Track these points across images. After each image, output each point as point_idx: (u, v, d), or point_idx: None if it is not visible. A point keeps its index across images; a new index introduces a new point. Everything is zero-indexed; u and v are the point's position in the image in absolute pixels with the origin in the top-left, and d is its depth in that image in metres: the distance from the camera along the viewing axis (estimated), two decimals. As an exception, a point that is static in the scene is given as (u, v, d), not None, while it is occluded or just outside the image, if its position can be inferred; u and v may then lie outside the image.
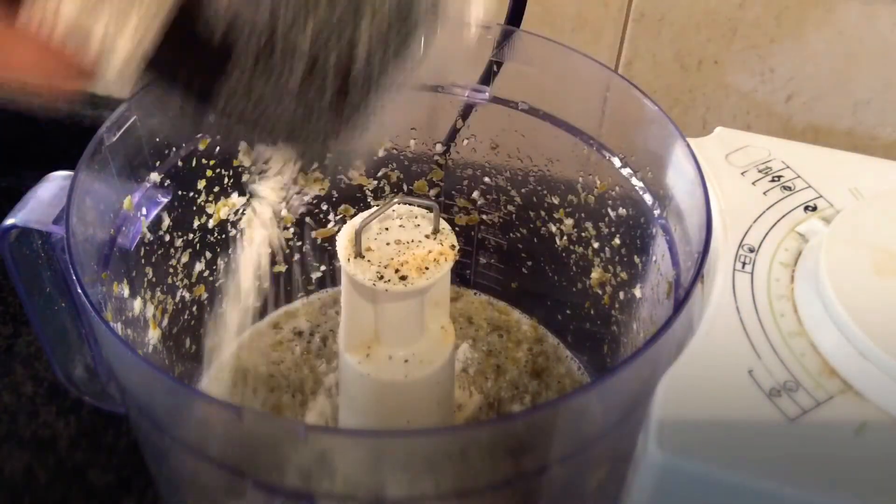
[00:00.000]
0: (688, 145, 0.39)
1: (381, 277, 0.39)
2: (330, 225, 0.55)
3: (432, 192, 0.54)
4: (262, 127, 0.25)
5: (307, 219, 0.54)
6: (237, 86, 0.24)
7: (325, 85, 0.24)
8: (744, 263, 0.39)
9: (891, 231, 0.39)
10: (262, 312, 0.56)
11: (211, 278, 0.51)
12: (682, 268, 0.39)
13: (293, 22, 0.23)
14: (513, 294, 0.57)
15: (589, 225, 0.49)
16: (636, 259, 0.45)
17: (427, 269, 0.39)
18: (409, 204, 0.42)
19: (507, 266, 0.56)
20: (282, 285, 0.56)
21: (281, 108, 0.24)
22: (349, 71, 0.24)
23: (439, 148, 0.51)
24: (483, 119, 0.49)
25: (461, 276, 0.58)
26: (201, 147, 0.46)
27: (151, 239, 0.44)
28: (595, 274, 0.50)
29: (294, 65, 0.23)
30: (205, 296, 0.51)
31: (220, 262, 0.51)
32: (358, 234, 0.40)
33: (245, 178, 0.49)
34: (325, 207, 0.54)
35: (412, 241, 0.41)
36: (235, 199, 0.49)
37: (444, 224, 0.42)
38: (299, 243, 0.54)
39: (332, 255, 0.56)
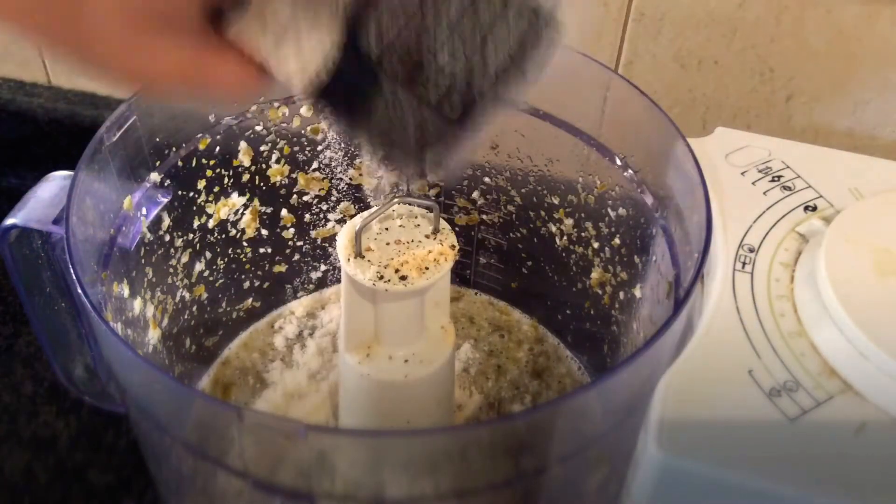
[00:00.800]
0: (688, 145, 0.39)
1: (381, 277, 0.39)
2: (330, 225, 0.55)
3: (432, 192, 0.54)
4: (395, 143, 0.28)
5: (307, 218, 0.54)
6: (383, 108, 0.27)
7: (451, 117, 0.27)
8: (744, 263, 0.39)
9: (891, 231, 0.39)
10: (262, 312, 0.56)
11: (211, 278, 0.51)
12: (682, 268, 0.39)
13: (436, 50, 0.26)
14: (513, 294, 0.57)
15: (589, 225, 0.49)
16: (636, 259, 0.45)
17: (427, 269, 0.39)
18: (409, 204, 0.42)
19: (507, 266, 0.56)
20: (282, 285, 0.56)
21: (415, 127, 0.28)
22: (479, 90, 0.27)
23: (439, 148, 0.51)
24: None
25: (461, 276, 0.58)
26: (201, 147, 0.46)
27: (151, 239, 0.44)
28: (595, 274, 0.50)
29: (433, 87, 0.27)
30: (205, 296, 0.51)
31: (220, 262, 0.51)
32: (358, 234, 0.40)
33: (245, 178, 0.49)
34: (325, 207, 0.54)
35: (412, 241, 0.41)
36: (235, 199, 0.49)
37: (444, 224, 0.42)
38: (299, 243, 0.54)
39: (332, 255, 0.56)
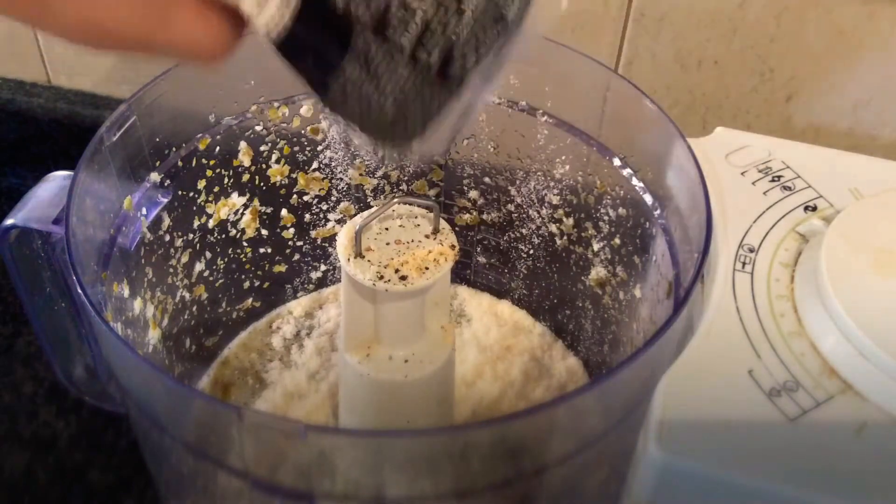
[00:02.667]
0: (688, 145, 0.39)
1: (381, 277, 0.39)
2: (330, 225, 0.55)
3: (432, 192, 0.54)
4: (367, 113, 0.26)
5: (307, 218, 0.54)
6: (351, 70, 0.25)
7: (429, 69, 0.25)
8: (744, 263, 0.39)
9: (891, 231, 0.39)
10: (261, 312, 0.56)
11: (211, 278, 0.51)
12: (682, 268, 0.39)
13: (405, 6, 0.24)
14: (513, 294, 0.57)
15: (589, 225, 0.49)
16: (636, 259, 0.45)
17: (427, 269, 0.39)
18: (409, 204, 0.42)
19: (507, 266, 0.56)
20: (282, 285, 0.56)
21: (386, 95, 0.26)
22: (451, 58, 0.25)
23: (439, 148, 0.51)
24: (483, 119, 0.49)
25: (461, 275, 0.58)
26: (201, 147, 0.46)
27: (151, 239, 0.44)
28: (595, 274, 0.50)
29: (402, 51, 0.25)
30: (205, 296, 0.51)
31: (220, 262, 0.51)
32: (358, 234, 0.40)
33: (245, 178, 0.49)
34: (325, 207, 0.54)
35: (412, 241, 0.41)
36: (235, 199, 0.49)
37: (444, 224, 0.42)
38: (299, 243, 0.54)
39: (332, 255, 0.56)
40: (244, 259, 0.52)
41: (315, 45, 0.25)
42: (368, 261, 0.40)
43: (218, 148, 0.47)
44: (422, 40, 0.25)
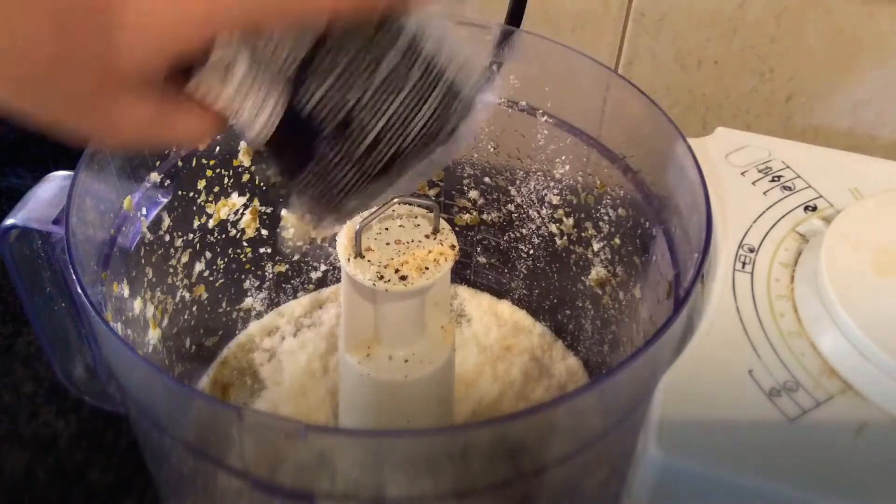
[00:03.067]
0: (688, 145, 0.39)
1: (381, 277, 0.39)
2: (330, 225, 0.55)
3: (432, 192, 0.54)
4: (318, 192, 0.32)
5: (307, 218, 0.54)
6: (313, 161, 0.31)
7: (377, 161, 0.31)
8: (744, 263, 0.39)
9: (891, 231, 0.39)
10: (261, 312, 0.56)
11: (211, 278, 0.51)
12: (682, 268, 0.39)
13: (366, 112, 0.29)
14: (513, 294, 0.57)
15: (589, 225, 0.49)
16: (636, 259, 0.45)
17: (427, 269, 0.39)
18: (409, 204, 0.42)
19: (507, 266, 0.56)
20: (281, 285, 0.56)
21: (345, 176, 0.31)
22: (402, 150, 0.31)
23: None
24: (483, 119, 0.49)
25: (461, 275, 0.58)
26: (201, 147, 0.46)
27: (151, 239, 0.44)
28: (595, 274, 0.50)
29: (356, 144, 0.30)
30: (205, 296, 0.51)
31: (220, 262, 0.51)
32: (358, 234, 0.40)
33: (245, 178, 0.49)
34: (325, 207, 0.54)
35: (412, 241, 0.41)
36: (235, 199, 0.49)
37: (444, 224, 0.42)
38: (299, 243, 0.54)
39: (333, 255, 0.56)
40: (244, 259, 0.52)
41: (286, 146, 0.31)
42: (368, 261, 0.40)
43: (218, 148, 0.47)
44: (370, 153, 0.30)
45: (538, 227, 0.52)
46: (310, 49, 0.29)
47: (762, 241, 0.40)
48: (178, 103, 0.28)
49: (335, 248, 0.41)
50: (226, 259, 0.51)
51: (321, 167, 0.31)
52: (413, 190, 0.36)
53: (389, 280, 0.39)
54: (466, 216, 0.54)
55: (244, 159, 0.48)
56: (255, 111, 0.29)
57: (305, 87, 0.29)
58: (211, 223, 0.49)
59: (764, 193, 0.43)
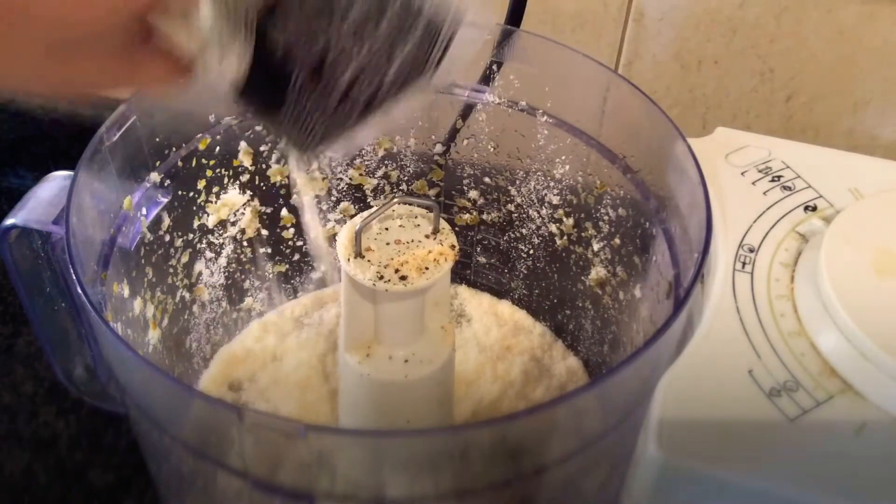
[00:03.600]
0: (688, 145, 0.39)
1: (381, 277, 0.39)
2: (330, 225, 0.55)
3: (432, 192, 0.54)
4: (303, 132, 0.31)
5: (307, 218, 0.54)
6: (291, 106, 0.30)
7: (358, 102, 0.30)
8: (744, 263, 0.39)
9: (891, 231, 0.39)
10: (261, 312, 0.56)
11: (211, 278, 0.51)
12: (682, 268, 0.39)
13: (338, 57, 0.28)
14: (513, 294, 0.57)
15: (589, 225, 0.49)
16: (636, 259, 0.45)
17: (427, 269, 0.39)
18: (409, 204, 0.42)
19: (507, 266, 0.56)
20: (282, 285, 0.56)
21: (320, 120, 0.30)
22: (377, 93, 0.30)
23: (439, 148, 0.51)
24: (483, 119, 0.49)
25: (461, 275, 0.58)
26: (201, 147, 0.46)
27: (151, 239, 0.44)
28: (595, 274, 0.50)
29: (335, 87, 0.29)
30: (205, 296, 0.51)
31: (220, 262, 0.51)
32: (358, 234, 0.40)
33: (245, 178, 0.49)
34: (325, 207, 0.54)
35: (412, 241, 0.41)
36: (235, 199, 0.49)
37: (444, 224, 0.42)
38: (299, 243, 0.54)
39: (333, 255, 0.56)
40: (244, 259, 0.52)
41: (261, 92, 0.30)
42: (368, 261, 0.40)
43: (218, 148, 0.47)
44: (348, 92, 0.29)
45: (538, 227, 0.52)
46: None
47: (762, 241, 0.40)
48: (146, 52, 0.27)
49: (335, 248, 0.41)
50: (226, 259, 0.51)
51: (296, 113, 0.30)
52: (395, 122, 0.35)
53: (389, 280, 0.39)
54: (466, 216, 0.54)
55: (244, 159, 0.48)
56: (221, 57, 0.28)
57: (272, 33, 0.28)
58: (211, 223, 0.49)
59: (764, 193, 0.43)
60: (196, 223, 0.48)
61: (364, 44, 0.28)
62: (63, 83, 0.27)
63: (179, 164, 0.45)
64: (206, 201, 0.48)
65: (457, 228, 0.53)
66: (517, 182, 0.51)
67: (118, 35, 0.26)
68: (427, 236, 0.41)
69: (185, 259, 0.48)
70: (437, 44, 0.30)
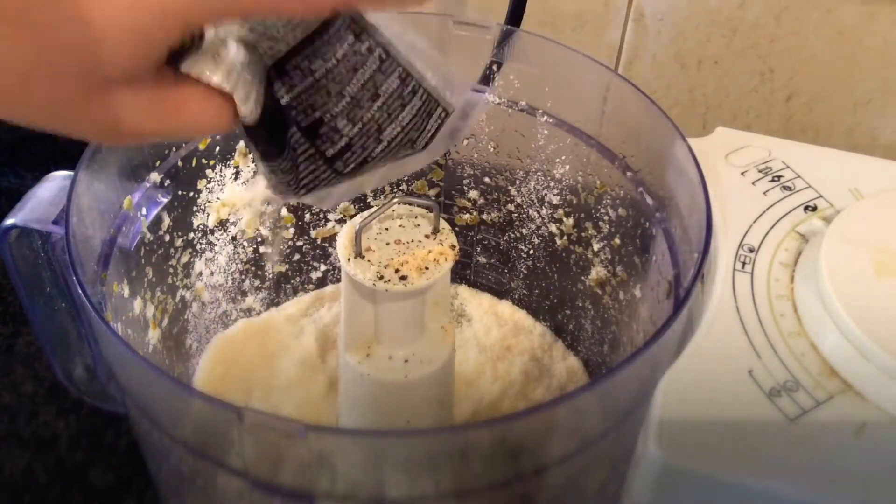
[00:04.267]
0: (688, 145, 0.39)
1: (381, 277, 0.39)
2: (330, 225, 0.55)
3: (432, 192, 0.54)
4: (288, 179, 0.32)
5: (307, 218, 0.54)
6: (288, 149, 0.31)
7: (349, 162, 0.31)
8: (744, 263, 0.39)
9: (891, 231, 0.39)
10: (261, 312, 0.56)
11: (211, 278, 0.51)
12: (682, 268, 0.39)
13: (329, 132, 0.30)
14: (513, 294, 0.57)
15: (589, 225, 0.49)
16: (636, 259, 0.45)
17: (427, 269, 0.39)
18: (409, 204, 0.42)
19: (507, 266, 0.56)
20: (281, 285, 0.56)
21: (303, 179, 0.32)
22: (363, 165, 0.32)
23: (439, 148, 0.51)
24: (483, 119, 0.49)
25: (461, 275, 0.58)
26: (201, 147, 0.46)
27: (151, 239, 0.44)
28: (595, 274, 0.50)
29: (329, 143, 0.31)
30: (205, 296, 0.51)
31: (220, 262, 0.51)
32: (358, 234, 0.40)
33: (245, 178, 0.49)
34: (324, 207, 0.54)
35: (412, 241, 0.41)
36: (235, 199, 0.49)
37: (444, 224, 0.42)
38: (299, 243, 0.54)
39: (332, 255, 0.56)
40: (244, 259, 0.52)
41: (264, 138, 0.31)
42: (368, 261, 0.40)
43: (218, 148, 0.47)
44: (342, 154, 0.31)
45: (538, 227, 0.52)
46: (294, 45, 0.29)
47: (762, 241, 0.40)
48: (179, 89, 0.28)
49: (335, 248, 0.41)
50: (226, 259, 0.51)
51: (291, 160, 0.31)
52: (384, 184, 0.36)
53: (389, 280, 0.39)
54: (466, 216, 0.54)
55: (244, 159, 0.48)
56: (245, 93, 0.29)
57: (282, 82, 0.29)
58: (211, 223, 0.49)
59: (764, 193, 0.43)
60: (196, 223, 0.48)
61: (356, 124, 0.30)
62: (106, 127, 0.27)
63: (179, 164, 0.45)
64: (207, 201, 0.48)
65: (457, 228, 0.53)
66: (517, 182, 0.51)
67: (149, 73, 0.26)
68: (427, 236, 0.41)
69: (185, 259, 0.48)
70: (427, 127, 0.32)
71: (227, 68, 0.28)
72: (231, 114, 0.29)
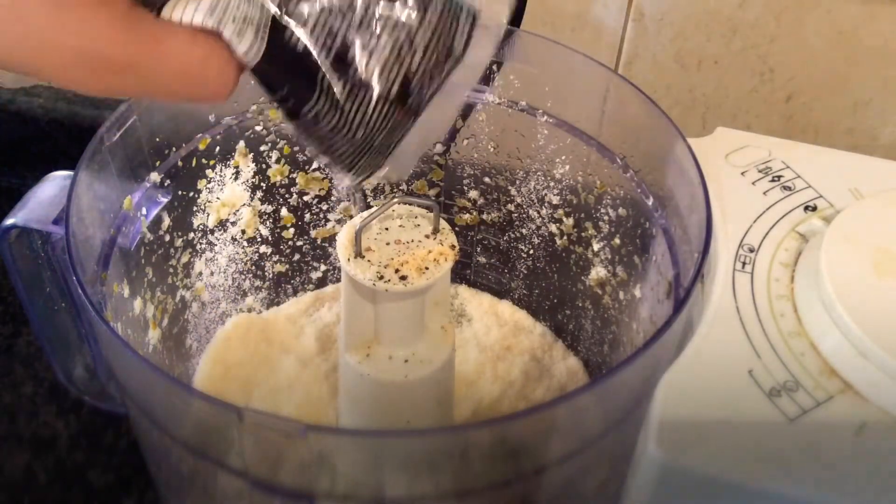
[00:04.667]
0: (688, 145, 0.39)
1: (381, 277, 0.39)
2: (330, 225, 0.55)
3: (432, 192, 0.54)
4: (336, 144, 0.29)
5: (307, 218, 0.54)
6: (319, 104, 0.27)
7: (389, 101, 0.28)
8: (744, 263, 0.39)
9: (891, 231, 0.39)
10: (261, 312, 0.56)
11: (211, 278, 0.51)
12: (682, 268, 0.39)
13: (367, 36, 0.27)
14: (513, 294, 0.57)
15: (589, 225, 0.49)
16: (636, 259, 0.45)
17: (427, 269, 0.39)
18: (409, 204, 0.42)
19: (507, 266, 0.56)
20: (281, 285, 0.56)
21: (353, 127, 0.28)
22: (409, 90, 0.28)
23: (439, 148, 0.51)
24: (483, 119, 0.49)
25: (461, 275, 0.58)
26: (201, 147, 0.46)
27: (151, 239, 0.44)
28: (595, 274, 0.50)
29: (364, 87, 0.27)
30: (205, 296, 0.51)
31: (220, 262, 0.51)
32: (358, 234, 0.40)
33: (245, 177, 0.49)
34: (325, 207, 0.54)
35: (412, 241, 0.41)
36: (235, 199, 0.49)
37: (444, 224, 0.42)
38: (299, 243, 0.54)
39: (332, 255, 0.56)
40: (244, 259, 0.52)
41: (286, 80, 0.27)
42: (368, 261, 0.40)
43: (218, 148, 0.47)
44: (382, 75, 0.27)
45: (538, 227, 0.52)
46: None
47: (762, 241, 0.40)
48: (161, 24, 0.25)
49: (335, 248, 0.41)
50: (226, 259, 0.51)
51: (326, 105, 0.27)
52: (445, 132, 0.32)
53: (389, 280, 0.39)
54: (466, 216, 0.54)
55: (244, 159, 0.48)
56: (237, 28, 0.26)
57: (292, 15, 0.26)
58: (211, 223, 0.49)
59: (764, 193, 0.43)
60: (196, 223, 0.48)
61: (382, 36, 0.27)
62: (76, 55, 0.24)
63: (179, 164, 0.45)
64: (206, 201, 0.48)
65: (457, 228, 0.53)
66: (517, 182, 0.51)
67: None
68: (427, 236, 0.41)
69: (185, 259, 0.48)
70: (458, 28, 0.28)
71: (209, 4, 0.25)
72: (224, 58, 0.26)
